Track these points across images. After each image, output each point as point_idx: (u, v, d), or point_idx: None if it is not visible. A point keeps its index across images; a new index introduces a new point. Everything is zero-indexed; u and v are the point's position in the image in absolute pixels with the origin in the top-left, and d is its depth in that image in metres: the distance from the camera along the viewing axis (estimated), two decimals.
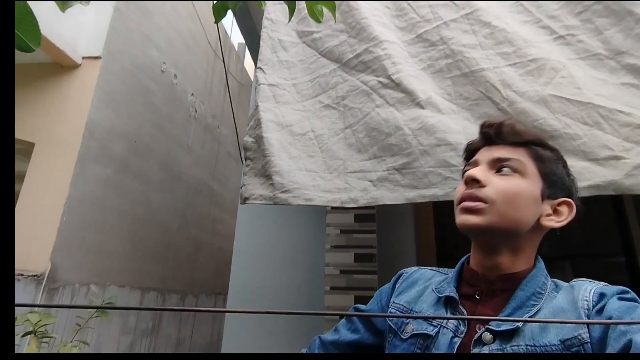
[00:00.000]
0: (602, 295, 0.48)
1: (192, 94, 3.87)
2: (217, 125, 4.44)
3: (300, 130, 1.21)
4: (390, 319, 0.62)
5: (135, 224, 2.92)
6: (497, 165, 0.57)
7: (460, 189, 0.59)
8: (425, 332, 0.56)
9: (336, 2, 1.34)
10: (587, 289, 0.50)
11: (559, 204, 0.57)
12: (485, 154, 0.60)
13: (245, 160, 1.24)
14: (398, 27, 1.27)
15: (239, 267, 1.90)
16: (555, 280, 0.56)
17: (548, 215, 0.56)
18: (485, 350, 0.50)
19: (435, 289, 0.61)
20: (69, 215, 2.22)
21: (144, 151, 3.05)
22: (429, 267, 0.69)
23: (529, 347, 0.47)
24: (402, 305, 0.63)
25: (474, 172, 0.56)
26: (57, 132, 2.38)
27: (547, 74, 1.05)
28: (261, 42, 1.38)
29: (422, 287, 0.64)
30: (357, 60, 1.22)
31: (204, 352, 3.85)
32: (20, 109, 2.47)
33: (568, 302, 0.50)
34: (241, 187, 1.20)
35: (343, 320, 0.70)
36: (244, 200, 1.17)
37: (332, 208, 1.84)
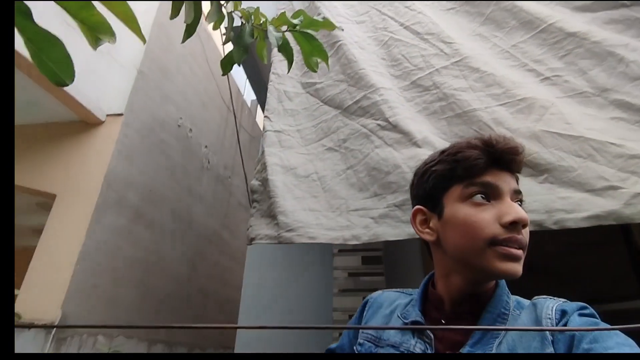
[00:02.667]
0: (563, 313, 0.49)
1: (206, 146, 4.06)
2: (228, 175, 4.58)
3: (304, 173, 1.27)
4: (360, 349, 0.60)
5: (146, 273, 2.93)
6: (516, 199, 0.53)
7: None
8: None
9: (337, 56, 1.47)
10: (549, 306, 0.50)
11: None
12: (505, 183, 0.52)
13: (252, 202, 1.28)
14: (393, 75, 1.37)
15: (247, 315, 1.87)
16: (517, 297, 0.56)
17: None
18: None
19: (401, 314, 0.60)
20: (82, 263, 2.26)
21: (158, 200, 3.15)
22: (393, 289, 0.68)
23: None
24: (370, 334, 0.61)
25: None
26: (77, 183, 2.50)
27: (537, 112, 1.10)
28: (268, 94, 1.50)
29: (388, 311, 0.63)
30: (356, 106, 1.31)
31: None
32: (45, 163, 2.63)
33: (532, 322, 0.50)
34: (248, 229, 1.23)
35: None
36: (250, 240, 1.19)
37: (340, 251, 1.84)
